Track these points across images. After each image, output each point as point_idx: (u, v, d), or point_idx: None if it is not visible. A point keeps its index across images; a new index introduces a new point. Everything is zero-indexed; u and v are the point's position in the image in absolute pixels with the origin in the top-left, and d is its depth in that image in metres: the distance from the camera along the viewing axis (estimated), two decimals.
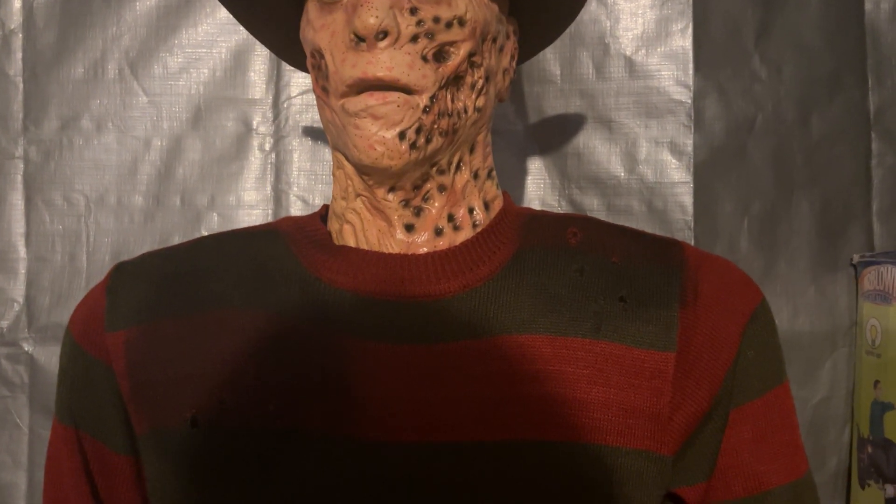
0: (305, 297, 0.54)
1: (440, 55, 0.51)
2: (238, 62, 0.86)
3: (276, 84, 0.86)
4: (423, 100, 0.50)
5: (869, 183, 0.88)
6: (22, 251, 0.86)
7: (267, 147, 0.86)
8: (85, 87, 0.86)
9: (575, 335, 0.54)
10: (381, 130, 0.50)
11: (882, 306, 0.81)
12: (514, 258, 0.56)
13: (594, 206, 0.84)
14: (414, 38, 0.50)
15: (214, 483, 0.51)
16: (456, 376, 0.52)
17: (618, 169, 0.83)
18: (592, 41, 0.83)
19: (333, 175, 0.58)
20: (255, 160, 0.86)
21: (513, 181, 0.86)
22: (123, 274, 0.57)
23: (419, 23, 0.50)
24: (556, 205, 0.86)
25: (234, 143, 0.86)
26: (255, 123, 0.86)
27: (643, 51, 0.81)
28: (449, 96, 0.52)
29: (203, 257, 0.57)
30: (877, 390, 0.81)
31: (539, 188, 0.86)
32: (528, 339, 0.53)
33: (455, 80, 0.52)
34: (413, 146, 0.50)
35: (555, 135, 0.85)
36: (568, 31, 0.77)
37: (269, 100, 0.86)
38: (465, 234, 0.56)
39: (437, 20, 0.50)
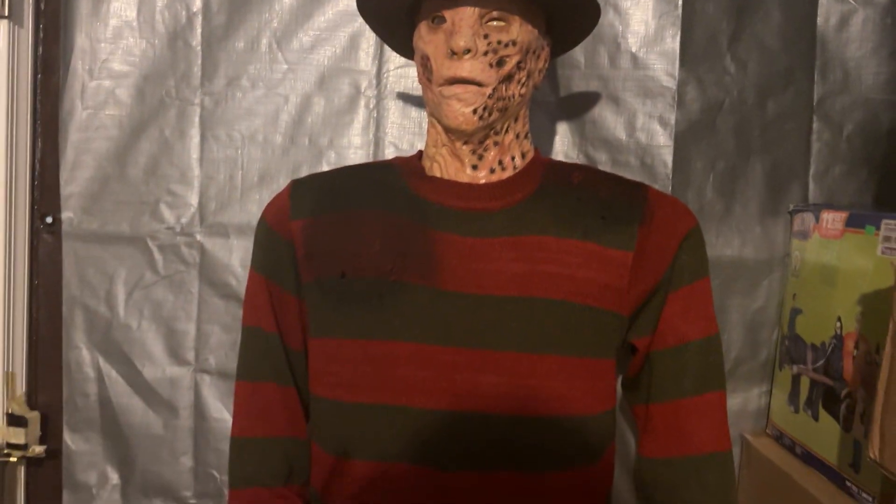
0: (410, 205, 0.89)
1: (500, 63, 0.84)
2: (352, 43, 1.20)
3: (379, 60, 1.20)
4: (488, 90, 0.84)
5: (808, 153, 1.19)
6: (197, 171, 1.22)
7: (371, 106, 1.21)
8: (245, 56, 1.21)
9: (571, 238, 0.88)
10: (463, 108, 0.84)
11: (802, 241, 1.13)
12: (537, 190, 0.90)
13: (603, 160, 1.17)
14: (485, 53, 0.83)
15: (353, 309, 0.87)
16: (499, 257, 0.86)
17: (621, 134, 1.16)
18: (608, 40, 1.15)
19: (427, 131, 0.92)
20: (362, 115, 1.21)
21: (546, 139, 1.19)
22: (299, 186, 0.93)
23: (489, 44, 0.83)
24: (576, 157, 1.19)
25: (347, 101, 1.21)
26: (363, 88, 1.21)
27: (644, 49, 1.13)
28: (504, 87, 0.85)
29: (349, 178, 0.93)
30: (794, 301, 1.14)
31: (564, 144, 1.19)
32: (542, 238, 0.87)
33: (508, 78, 0.85)
34: (480, 118, 0.84)
35: (578, 106, 1.18)
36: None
37: (374, 71, 1.20)
38: (508, 173, 0.90)
39: (499, 42, 0.84)
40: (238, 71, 1.21)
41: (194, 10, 1.21)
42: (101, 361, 1.24)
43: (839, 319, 1.02)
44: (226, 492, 1.21)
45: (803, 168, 1.19)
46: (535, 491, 0.85)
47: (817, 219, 1.09)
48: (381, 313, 0.86)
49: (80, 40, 1.21)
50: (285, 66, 1.21)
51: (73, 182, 1.22)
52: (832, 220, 1.06)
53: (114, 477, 1.25)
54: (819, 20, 1.17)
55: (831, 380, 1.03)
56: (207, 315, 1.23)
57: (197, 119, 1.22)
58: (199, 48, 1.21)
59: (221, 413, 1.22)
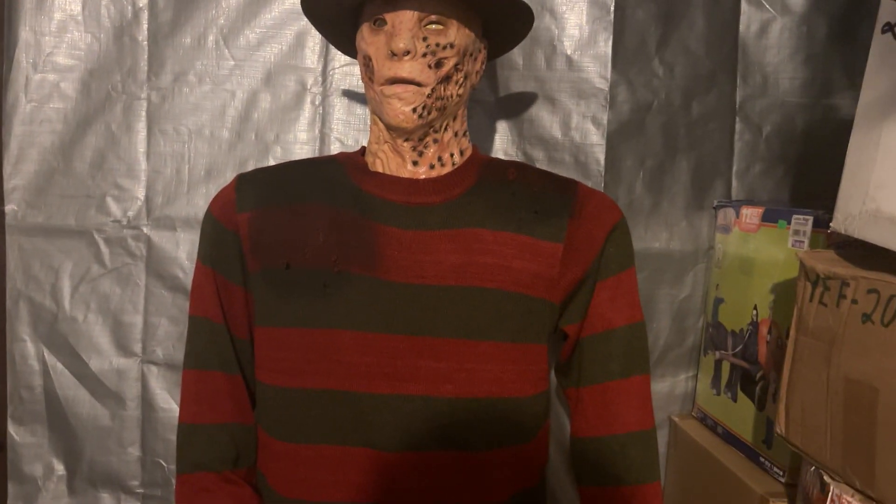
0: (353, 199, 0.93)
1: (438, 64, 0.89)
2: (298, 41, 1.23)
3: (325, 58, 1.23)
4: (427, 90, 0.88)
5: (731, 152, 1.26)
6: (144, 165, 1.24)
7: (316, 102, 1.24)
8: (191, 52, 1.22)
9: (506, 230, 0.93)
10: (403, 106, 0.88)
11: (724, 235, 1.21)
12: (474, 185, 0.95)
13: (539, 157, 1.23)
14: (424, 55, 0.88)
15: (298, 299, 0.91)
16: (438, 248, 0.91)
17: (556, 132, 1.22)
18: (545, 43, 1.20)
19: (370, 128, 0.96)
20: (308, 111, 1.24)
21: (486, 136, 1.24)
22: (244, 179, 0.96)
23: (427, 46, 0.88)
24: (514, 154, 1.24)
25: (293, 98, 1.24)
26: (308, 85, 1.24)
27: (578, 52, 1.19)
28: (442, 88, 0.90)
29: (294, 172, 0.97)
30: (717, 291, 1.22)
31: (503, 142, 1.24)
32: (479, 230, 0.92)
33: (446, 79, 0.90)
34: (420, 116, 0.89)
35: (516, 106, 1.23)
36: (528, 35, 1.14)
37: (319, 69, 1.23)
38: (448, 169, 0.95)
39: (438, 45, 0.88)
40: (185, 66, 1.23)
41: (140, 5, 1.22)
42: (46, 354, 1.24)
43: (755, 307, 1.09)
44: (173, 480, 1.23)
45: (726, 166, 1.27)
46: (474, 468, 0.90)
47: (738, 214, 1.17)
48: (325, 302, 0.90)
49: (24, 33, 1.21)
50: (232, 63, 1.23)
51: (18, 175, 1.22)
52: (750, 214, 1.13)
53: (60, 468, 1.26)
54: (741, 27, 1.25)
55: (748, 363, 1.11)
56: (155, 307, 1.25)
57: (144, 113, 1.23)
58: (145, 43, 1.22)
59: (169, 403, 1.24)
